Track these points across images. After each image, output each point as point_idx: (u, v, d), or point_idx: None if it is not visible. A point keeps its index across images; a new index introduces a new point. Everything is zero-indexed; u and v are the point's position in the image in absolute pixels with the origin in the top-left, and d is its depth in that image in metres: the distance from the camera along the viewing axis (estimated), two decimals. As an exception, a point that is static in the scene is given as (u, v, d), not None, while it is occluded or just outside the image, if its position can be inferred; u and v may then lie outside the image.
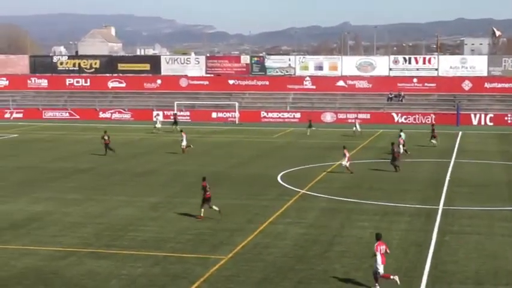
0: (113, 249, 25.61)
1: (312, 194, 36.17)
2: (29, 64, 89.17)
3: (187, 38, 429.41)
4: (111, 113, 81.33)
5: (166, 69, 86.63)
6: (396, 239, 26.88)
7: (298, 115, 78.59)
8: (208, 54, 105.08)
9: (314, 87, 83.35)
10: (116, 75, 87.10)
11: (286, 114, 79.36)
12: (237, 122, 77.37)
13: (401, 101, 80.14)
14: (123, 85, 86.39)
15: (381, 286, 21.24)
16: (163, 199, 34.96)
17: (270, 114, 79.07)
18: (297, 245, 26.07)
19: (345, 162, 42.43)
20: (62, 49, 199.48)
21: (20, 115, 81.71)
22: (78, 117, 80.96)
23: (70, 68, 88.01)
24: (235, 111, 78.78)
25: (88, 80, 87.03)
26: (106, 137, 50.86)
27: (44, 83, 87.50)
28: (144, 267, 23.46)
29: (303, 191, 36.70)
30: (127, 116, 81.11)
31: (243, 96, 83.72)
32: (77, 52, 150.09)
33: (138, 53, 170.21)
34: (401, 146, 47.74)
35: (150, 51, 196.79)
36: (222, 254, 24.98)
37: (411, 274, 22.66)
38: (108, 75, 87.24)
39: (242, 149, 55.63)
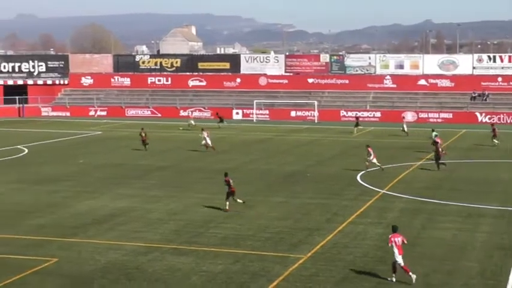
0: (194, 245, 25.95)
1: (392, 194, 35.75)
2: (112, 63, 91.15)
3: (267, 37, 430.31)
4: (192, 111, 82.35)
5: (245, 67, 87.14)
6: (480, 242, 26.30)
7: (378, 114, 77.82)
8: (287, 53, 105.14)
9: (395, 86, 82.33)
10: (196, 73, 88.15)
11: (365, 113, 78.66)
12: (316, 121, 77.16)
13: (486, 100, 78.29)
14: (203, 84, 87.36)
15: (398, 278, 21.52)
16: (243, 196, 35.11)
17: (350, 113, 78.50)
18: (376, 245, 25.82)
19: (374, 160, 42.31)
20: (144, 48, 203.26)
21: (104, 113, 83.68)
22: (159, 115, 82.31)
23: (152, 67, 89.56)
24: (314, 110, 78.58)
25: (169, 78, 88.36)
26: (143, 134, 52.61)
27: (126, 81, 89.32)
28: (224, 264, 23.69)
29: (383, 191, 36.31)
30: (207, 114, 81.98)
31: (322, 95, 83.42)
32: (158, 51, 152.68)
33: (218, 52, 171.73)
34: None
35: (230, 50, 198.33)
36: (301, 253, 24.97)
37: (497, 278, 22.12)
38: (188, 73, 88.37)
39: (321, 148, 55.45)
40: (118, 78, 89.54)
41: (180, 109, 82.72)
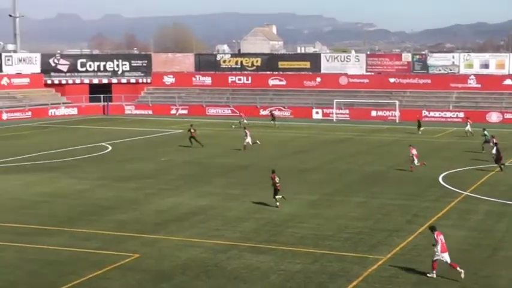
0: (272, 244, 25.99)
1: (476, 196, 34.92)
2: (194, 62, 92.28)
3: (348, 36, 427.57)
4: (272, 111, 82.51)
5: (326, 67, 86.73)
6: None
7: (461, 114, 76.12)
8: (368, 52, 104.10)
9: (479, 85, 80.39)
10: (276, 73, 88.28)
11: (448, 114, 77.12)
12: (397, 121, 76.15)
13: None
14: (284, 83, 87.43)
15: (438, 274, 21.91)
16: (322, 197, 35.04)
17: (432, 114, 77.11)
18: (459, 248, 25.25)
19: (416, 162, 42.22)
20: (225, 47, 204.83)
21: (185, 111, 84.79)
22: (239, 114, 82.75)
23: (232, 66, 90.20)
24: (395, 110, 77.57)
25: (249, 77, 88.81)
26: (192, 130, 53.87)
27: (207, 80, 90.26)
28: (302, 263, 23.63)
29: (466, 193, 35.51)
30: (286, 113, 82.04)
31: (404, 94, 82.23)
32: (239, 50, 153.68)
33: (298, 51, 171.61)
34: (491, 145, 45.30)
35: (310, 49, 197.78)
36: (380, 254, 24.69)
37: None
38: (269, 73, 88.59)
39: (402, 148, 54.63)
40: (199, 77, 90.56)
41: (260, 108, 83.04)
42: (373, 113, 79.17)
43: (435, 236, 22.24)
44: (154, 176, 41.16)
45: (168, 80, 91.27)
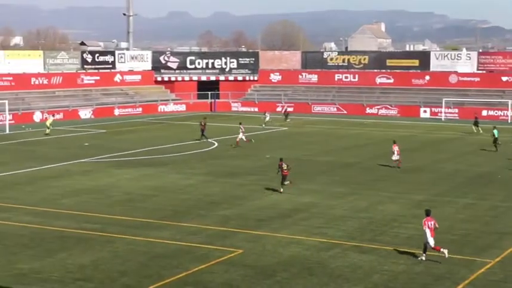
0: (376, 244, 25.69)
1: None
2: (300, 60, 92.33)
3: (459, 33, 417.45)
4: (378, 109, 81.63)
5: (435, 65, 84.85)
6: None
7: None
8: (480, 50, 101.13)
9: None
10: (384, 71, 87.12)
11: None
12: (509, 121, 73.66)
13: None
14: (391, 81, 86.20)
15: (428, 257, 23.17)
16: (428, 197, 34.35)
17: (547, 113, 74.13)
18: None
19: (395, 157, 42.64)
20: (333, 45, 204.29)
21: (291, 109, 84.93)
22: (345, 112, 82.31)
23: (339, 64, 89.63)
24: (507, 110, 75.04)
25: (356, 75, 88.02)
26: (203, 123, 54.99)
27: (314, 78, 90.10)
28: (406, 264, 23.24)
29: None
30: (393, 112, 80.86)
31: (517, 93, 79.40)
32: (346, 48, 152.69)
33: (407, 49, 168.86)
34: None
35: (419, 47, 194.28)
36: (488, 257, 23.96)
37: None
38: (376, 70, 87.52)
39: (514, 149, 52.98)
40: (305, 75, 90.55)
41: (367, 106, 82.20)
42: (484, 113, 76.82)
43: (425, 220, 23.60)
44: (258, 173, 41.47)
45: (275, 77, 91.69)
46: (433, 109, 78.95)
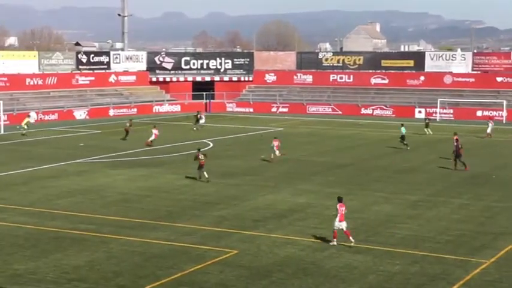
0: (371, 244, 25.72)
1: None
2: (295, 60, 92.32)
3: (454, 34, 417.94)
4: (373, 109, 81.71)
5: (430, 65, 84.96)
6: None
7: None
8: (475, 51, 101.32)
9: None
10: (379, 71, 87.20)
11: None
12: (504, 121, 73.82)
13: None
14: (386, 81, 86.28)
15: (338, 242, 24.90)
16: (423, 197, 34.42)
17: (541, 114, 74.34)
18: None
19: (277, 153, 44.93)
20: (327, 45, 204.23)
21: (286, 109, 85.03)
22: (340, 112, 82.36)
23: (334, 64, 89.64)
24: (502, 110, 75.20)
25: (351, 76, 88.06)
26: (128, 124, 55.63)
27: (308, 78, 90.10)
28: (402, 265, 23.27)
29: None
30: (388, 112, 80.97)
31: (512, 94, 79.62)
32: (341, 48, 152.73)
33: (402, 49, 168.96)
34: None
35: (414, 48, 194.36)
36: (483, 257, 24.01)
37: None
38: (371, 71, 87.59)
39: (509, 149, 53.02)
40: (300, 76, 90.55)
41: (362, 107, 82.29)
42: (479, 113, 77.03)
43: (338, 206, 25.43)
44: (254, 173, 41.48)
45: (270, 78, 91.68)
46: (428, 109, 79.09)
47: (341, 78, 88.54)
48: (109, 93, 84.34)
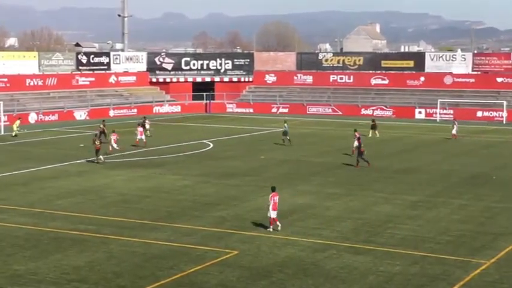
0: (371, 245, 25.72)
1: None
2: (295, 61, 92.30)
3: (454, 34, 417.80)
4: (373, 110, 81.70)
5: (430, 66, 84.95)
6: None
7: None
8: (475, 51, 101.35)
9: None
10: (379, 72, 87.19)
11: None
12: (504, 122, 73.83)
13: None
14: (386, 82, 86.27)
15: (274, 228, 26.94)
16: (423, 198, 34.41)
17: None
18: None
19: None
20: (327, 46, 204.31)
21: (286, 110, 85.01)
22: (340, 113, 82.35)
23: (334, 65, 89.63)
24: (502, 111, 75.22)
25: (351, 76, 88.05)
26: (102, 125, 55.19)
27: (309, 79, 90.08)
28: (402, 265, 23.27)
29: None
30: (389, 113, 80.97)
31: (512, 94, 79.60)
32: (341, 49, 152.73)
33: (402, 50, 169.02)
34: None
35: (414, 48, 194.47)
36: (483, 258, 24.01)
37: None
38: (371, 72, 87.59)
39: (509, 150, 53.02)
40: (300, 76, 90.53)
41: (362, 107, 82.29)
42: (479, 114, 77.08)
43: (271, 196, 27.40)
44: (254, 174, 41.47)
45: (270, 78, 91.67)
46: (428, 110, 79.12)
47: (341, 78, 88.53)
48: (109, 93, 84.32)
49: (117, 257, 24.28)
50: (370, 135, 59.72)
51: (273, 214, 27.42)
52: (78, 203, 33.22)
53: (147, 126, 59.53)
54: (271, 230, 27.35)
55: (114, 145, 48.85)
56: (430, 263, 23.51)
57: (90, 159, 45.41)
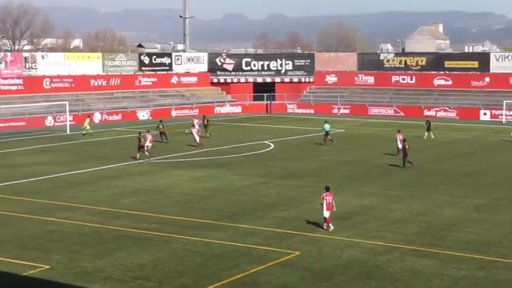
0: (435, 248, 25.32)
1: None
2: (357, 61, 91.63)
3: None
4: (436, 111, 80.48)
5: (495, 66, 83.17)
6: None
7: None
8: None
9: None
10: (442, 72, 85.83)
11: None
12: None
13: None
14: (449, 83, 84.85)
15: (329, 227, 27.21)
16: (488, 201, 33.73)
17: None
18: None
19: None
20: (389, 47, 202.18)
21: (347, 111, 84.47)
22: (402, 114, 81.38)
23: (396, 65, 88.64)
24: None
25: (414, 77, 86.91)
26: (161, 126, 54.97)
27: (370, 79, 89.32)
28: (468, 269, 22.84)
29: None
30: (452, 114, 79.66)
31: None
32: (403, 49, 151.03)
33: (466, 50, 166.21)
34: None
35: (479, 48, 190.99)
36: (552, 264, 23.39)
37: None
38: (434, 72, 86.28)
39: None
40: (362, 77, 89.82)
41: (424, 108, 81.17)
42: (546, 115, 75.18)
43: (324, 195, 27.79)
44: (315, 175, 41.31)
45: (331, 79, 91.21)
46: (493, 111, 77.52)
47: (403, 79, 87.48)
48: (171, 94, 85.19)
49: (180, 255, 24.49)
50: (425, 137, 58.98)
51: (325, 214, 27.77)
52: (141, 202, 33.65)
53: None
54: (328, 229, 27.76)
55: (149, 145, 49.01)
56: (498, 267, 23.01)
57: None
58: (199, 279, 22.02)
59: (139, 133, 48.83)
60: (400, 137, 47.55)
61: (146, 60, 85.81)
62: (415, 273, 22.58)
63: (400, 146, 46.22)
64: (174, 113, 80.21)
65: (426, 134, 59.65)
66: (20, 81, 74.06)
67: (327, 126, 54.90)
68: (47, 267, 23.12)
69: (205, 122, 60.97)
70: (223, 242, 26.13)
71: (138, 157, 46.78)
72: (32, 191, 36.08)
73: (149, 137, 49.67)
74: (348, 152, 51.07)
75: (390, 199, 34.14)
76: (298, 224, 29.03)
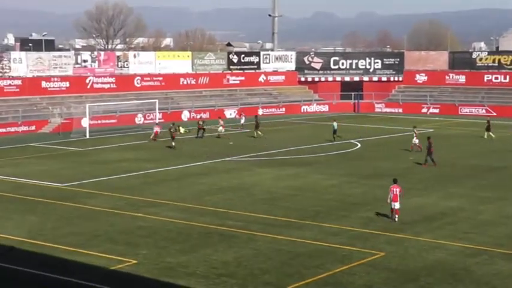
0: (527, 252, 24.54)
1: None
2: (448, 60, 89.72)
3: None
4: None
5: None
6: None
7: None
8: None
9: None
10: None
11: None
12: None
13: None
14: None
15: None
16: None
17: None
18: None
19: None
20: (482, 45, 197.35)
21: (437, 110, 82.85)
22: (495, 114, 79.12)
23: (489, 64, 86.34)
24: None
25: (507, 76, 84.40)
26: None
27: (461, 79, 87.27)
28: (560, 275, 22.03)
29: None
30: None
31: None
32: (497, 48, 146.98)
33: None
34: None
35: None
36: None
37: None
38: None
39: None
40: (453, 76, 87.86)
41: (518, 108, 78.73)
42: None
43: (391, 187, 28.92)
44: (402, 175, 40.51)
45: (420, 78, 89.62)
46: None
47: (496, 78, 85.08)
48: (258, 92, 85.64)
49: (264, 253, 24.58)
50: (485, 137, 57.61)
51: (395, 205, 28.82)
52: (227, 199, 33.95)
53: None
54: (394, 220, 28.76)
55: (416, 141, 50.26)
56: None
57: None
58: (282, 277, 22.03)
59: (173, 124, 55.56)
60: (416, 132, 49.92)
61: (235, 59, 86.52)
62: (505, 277, 21.94)
63: (416, 141, 48.91)
64: (260, 112, 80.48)
65: (486, 134, 58.24)
66: (113, 79, 75.96)
67: (334, 125, 56.84)
68: (134, 261, 23.63)
69: (256, 123, 60.57)
70: (307, 241, 26.08)
71: (173, 144, 52.03)
72: (120, 187, 36.96)
73: (156, 128, 57.40)
74: (435, 152, 49.99)
75: (480, 201, 33.30)
76: (383, 224, 28.68)
